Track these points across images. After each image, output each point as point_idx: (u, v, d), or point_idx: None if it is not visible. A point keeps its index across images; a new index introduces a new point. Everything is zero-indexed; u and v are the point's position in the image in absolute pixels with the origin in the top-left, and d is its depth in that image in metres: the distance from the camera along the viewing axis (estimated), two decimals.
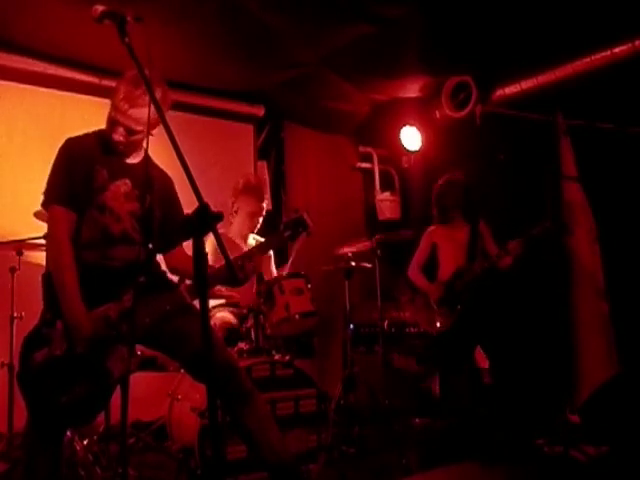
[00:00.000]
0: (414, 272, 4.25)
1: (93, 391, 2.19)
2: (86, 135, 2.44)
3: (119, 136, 2.34)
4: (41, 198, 2.37)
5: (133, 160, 2.46)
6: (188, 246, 1.62)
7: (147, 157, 2.41)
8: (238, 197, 3.83)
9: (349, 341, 4.38)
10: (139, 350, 3.33)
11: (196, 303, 2.19)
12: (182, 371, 3.22)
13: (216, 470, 1.95)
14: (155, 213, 2.45)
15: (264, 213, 3.91)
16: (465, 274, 3.97)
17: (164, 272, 2.56)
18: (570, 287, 4.32)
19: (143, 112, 2.20)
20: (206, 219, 1.54)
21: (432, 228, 4.27)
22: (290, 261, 3.78)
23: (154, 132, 2.29)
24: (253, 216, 3.83)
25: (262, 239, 4.02)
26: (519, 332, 4.25)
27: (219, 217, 1.57)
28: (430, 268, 4.25)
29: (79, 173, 2.32)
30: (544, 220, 3.69)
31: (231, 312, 3.56)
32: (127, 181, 2.40)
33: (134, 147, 2.42)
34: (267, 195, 4.98)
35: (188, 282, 2.72)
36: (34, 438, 2.22)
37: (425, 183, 5.64)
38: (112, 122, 2.34)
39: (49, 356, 2.17)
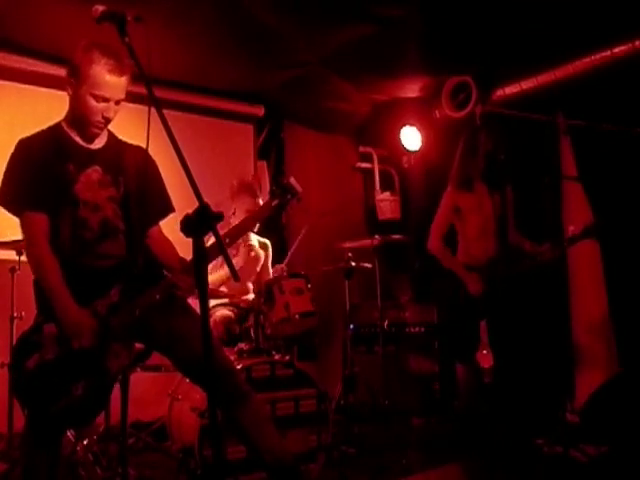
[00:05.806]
0: (436, 245, 3.55)
1: (91, 391, 2.18)
2: (40, 132, 2.34)
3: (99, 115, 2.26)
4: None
5: (97, 145, 2.39)
6: (187, 246, 1.61)
7: (147, 156, 2.38)
8: (235, 198, 3.84)
9: (349, 341, 4.38)
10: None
11: (196, 305, 2.18)
12: None
13: (216, 470, 1.95)
14: (131, 193, 2.37)
15: None
16: (504, 267, 3.41)
17: (155, 261, 2.47)
18: (570, 287, 4.32)
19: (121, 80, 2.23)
20: (206, 219, 1.54)
21: (453, 189, 3.58)
22: (289, 254, 3.77)
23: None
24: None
25: (263, 239, 4.03)
26: (522, 331, 4.24)
27: (219, 217, 1.57)
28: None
29: (42, 172, 2.23)
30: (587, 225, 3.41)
31: (231, 311, 3.57)
32: (97, 167, 2.33)
33: (104, 126, 2.36)
34: (266, 194, 4.97)
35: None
36: (32, 440, 2.21)
37: (425, 183, 5.67)
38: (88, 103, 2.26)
39: (41, 361, 2.14)
